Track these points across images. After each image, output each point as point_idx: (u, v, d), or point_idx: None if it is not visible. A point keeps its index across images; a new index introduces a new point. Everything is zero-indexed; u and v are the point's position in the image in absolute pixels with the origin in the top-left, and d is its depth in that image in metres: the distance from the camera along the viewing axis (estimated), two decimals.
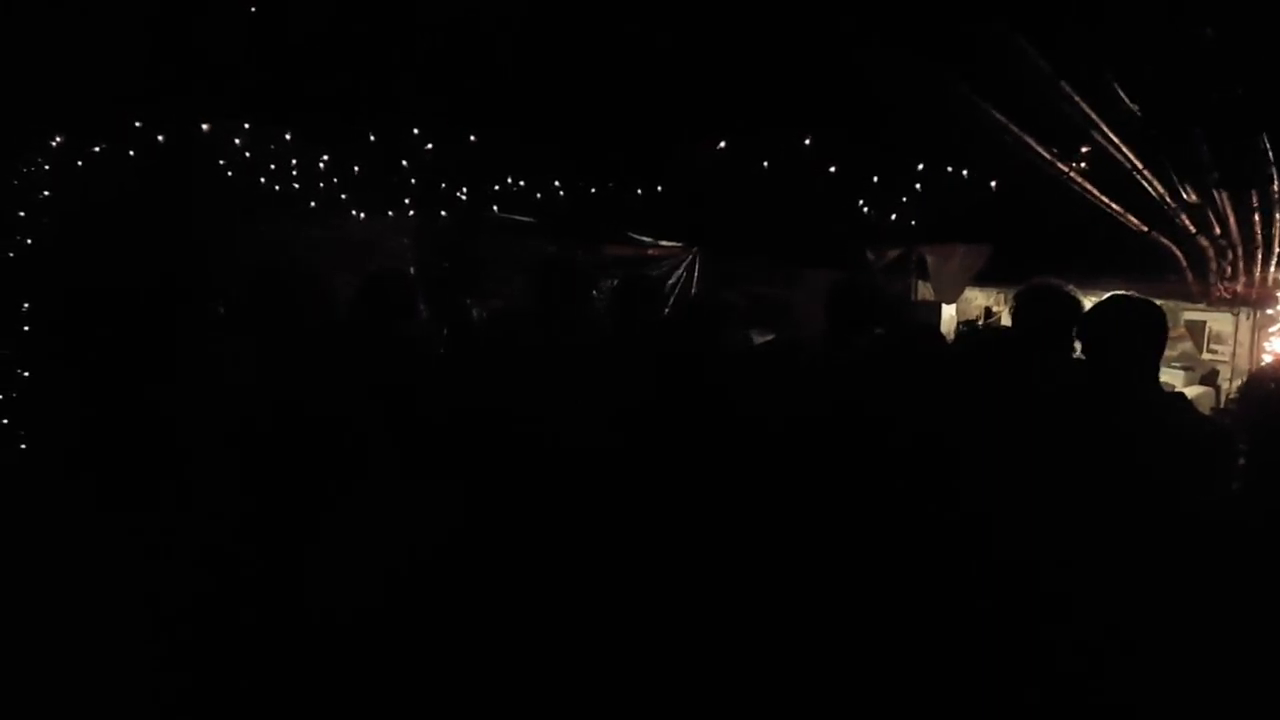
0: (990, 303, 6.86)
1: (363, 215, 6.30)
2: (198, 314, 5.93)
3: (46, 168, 6.00)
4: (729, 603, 3.90)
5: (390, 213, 6.32)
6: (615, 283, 6.30)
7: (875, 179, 6.18)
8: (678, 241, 6.78)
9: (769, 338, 6.17)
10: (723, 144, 6.32)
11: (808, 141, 6.23)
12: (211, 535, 4.83)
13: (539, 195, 6.36)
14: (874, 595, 3.48)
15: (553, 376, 5.55)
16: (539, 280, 5.33)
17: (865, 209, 6.22)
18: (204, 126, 6.11)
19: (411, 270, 6.26)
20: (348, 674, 4.36)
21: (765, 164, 6.32)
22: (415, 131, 6.25)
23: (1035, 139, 6.06)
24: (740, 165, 6.32)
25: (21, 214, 5.90)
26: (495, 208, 6.37)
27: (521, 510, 4.81)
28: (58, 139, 5.99)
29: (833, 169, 6.20)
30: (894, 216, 6.26)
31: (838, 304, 4.42)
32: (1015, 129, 6.07)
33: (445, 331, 6.08)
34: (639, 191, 6.50)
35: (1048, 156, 6.05)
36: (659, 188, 6.49)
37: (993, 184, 6.13)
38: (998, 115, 6.07)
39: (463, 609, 4.39)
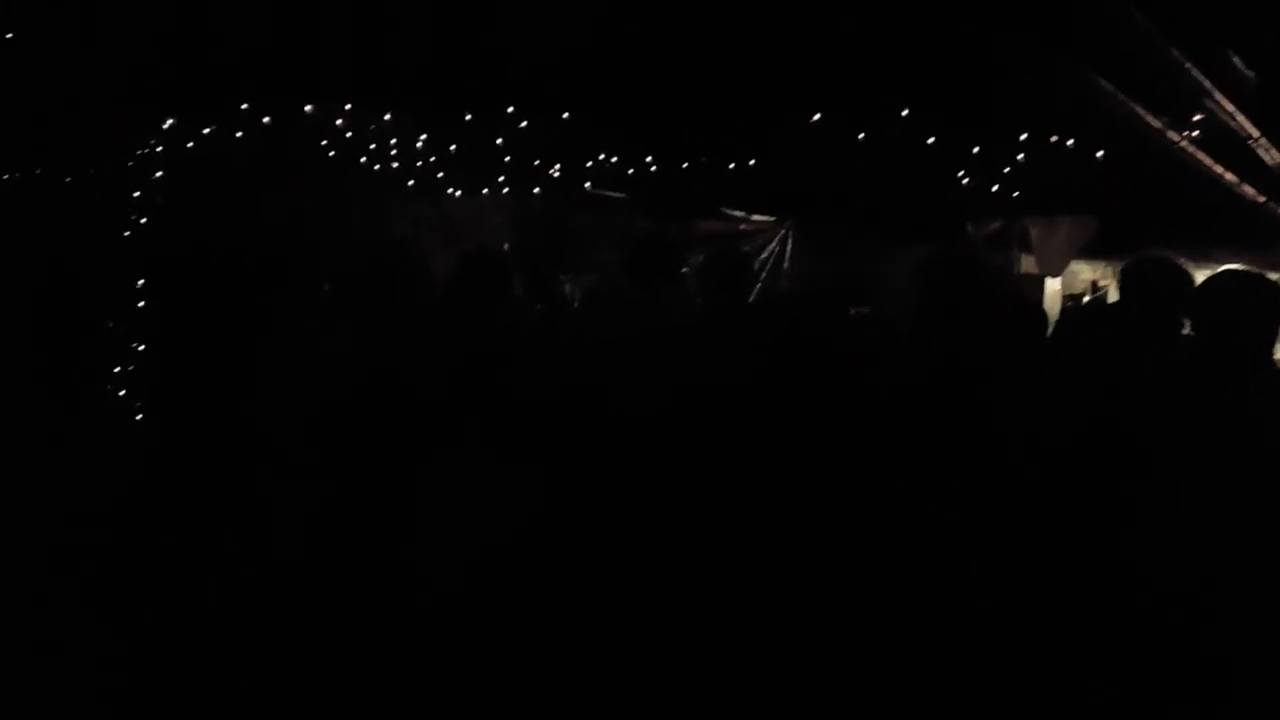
0: (1096, 276, 6.66)
1: (459, 194, 6.40)
2: (302, 291, 6.10)
3: (159, 149, 6.23)
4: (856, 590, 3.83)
5: (485, 191, 6.41)
6: (704, 258, 6.26)
7: (976, 150, 6.04)
8: (771, 216, 6.73)
9: (864, 310, 6.07)
10: (819, 115, 6.25)
11: (906, 112, 6.12)
12: (302, 506, 4.99)
13: (631, 171, 6.37)
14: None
15: (647, 355, 5.57)
16: (631, 257, 5.34)
17: (965, 180, 6.09)
18: (307, 108, 6.27)
19: (506, 248, 6.34)
20: (430, 650, 4.45)
21: (862, 135, 6.23)
22: (510, 110, 6.32)
23: (1145, 108, 5.85)
24: (837, 137, 6.24)
25: (136, 194, 6.15)
26: (588, 184, 6.40)
27: (612, 495, 4.83)
28: (170, 121, 6.21)
29: (932, 140, 6.08)
30: (996, 188, 6.11)
31: (934, 278, 4.34)
32: (1124, 98, 5.86)
33: (539, 309, 6.14)
34: (732, 165, 6.47)
35: (1158, 126, 5.83)
36: (752, 161, 6.45)
37: (1100, 154, 5.94)
38: (1105, 84, 5.87)
39: (539, 595, 4.43)
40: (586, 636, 4.24)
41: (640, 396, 5.37)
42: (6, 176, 5.69)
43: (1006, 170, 5.99)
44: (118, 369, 5.88)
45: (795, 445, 4.26)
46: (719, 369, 5.00)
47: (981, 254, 5.93)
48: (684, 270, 6.40)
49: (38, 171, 5.80)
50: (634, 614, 4.21)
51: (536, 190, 6.38)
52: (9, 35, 5.50)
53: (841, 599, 3.81)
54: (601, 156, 6.40)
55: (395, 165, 6.31)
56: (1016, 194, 6.05)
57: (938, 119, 6.02)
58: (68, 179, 5.95)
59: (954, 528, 3.37)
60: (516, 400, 5.67)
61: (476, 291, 5.44)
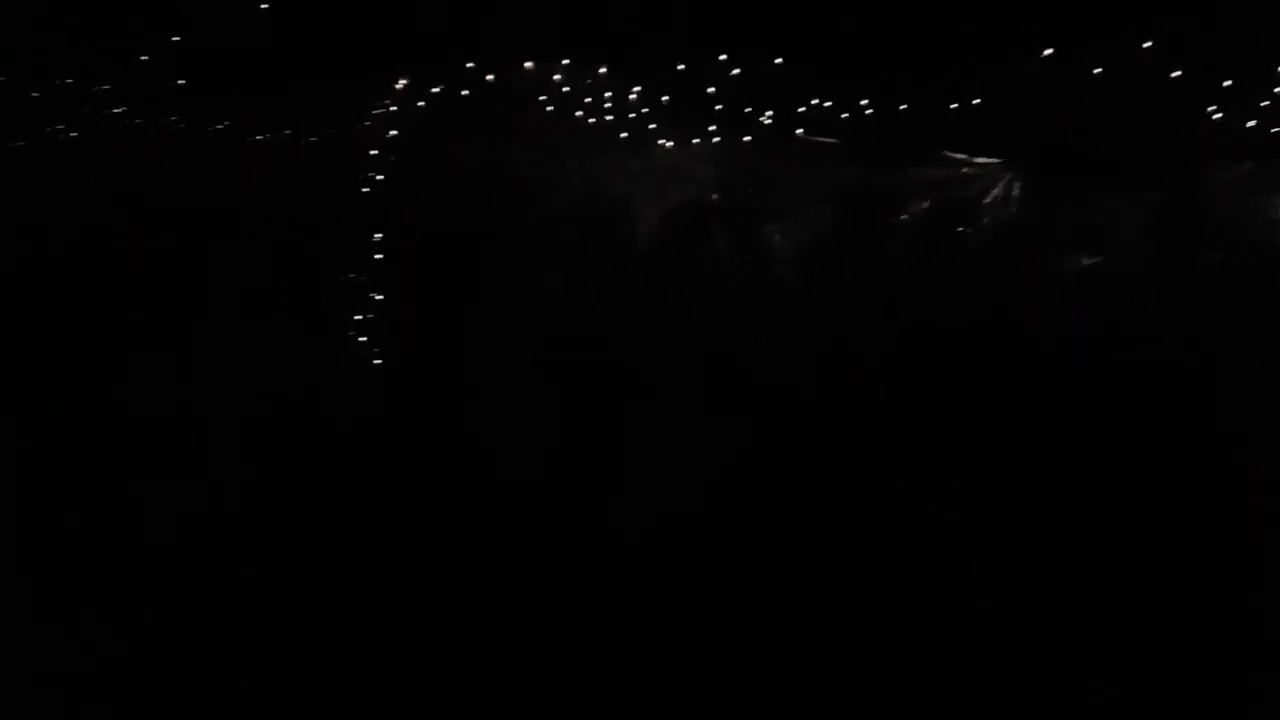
0: None
1: (669, 145, 6.44)
2: (518, 246, 6.35)
3: (394, 109, 6.61)
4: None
5: (695, 141, 6.41)
6: (927, 205, 6.05)
7: (1225, 83, 5.47)
8: (995, 159, 6.37)
9: (1096, 260, 5.71)
10: (1049, 51, 5.83)
11: (1148, 45, 5.61)
12: (513, 447, 5.25)
13: (845, 115, 6.19)
14: None
15: (855, 310, 5.46)
16: (841, 209, 5.21)
17: (1212, 117, 5.53)
18: (527, 64, 6.47)
19: (715, 199, 6.34)
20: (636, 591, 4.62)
21: (1098, 70, 5.77)
22: (722, 58, 6.27)
23: None
24: (1069, 72, 5.82)
25: (374, 152, 6.57)
26: (800, 131, 6.28)
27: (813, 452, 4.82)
28: (402, 82, 6.57)
29: (1176, 74, 5.56)
30: (1249, 125, 5.53)
31: (1171, 226, 4.02)
32: None
33: (746, 260, 6.11)
34: (954, 106, 6.16)
35: None
36: (976, 100, 6.12)
37: None
38: None
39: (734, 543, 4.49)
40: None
41: (854, 348, 5.30)
42: (250, 140, 6.23)
43: (1262, 104, 5.40)
44: (358, 317, 6.36)
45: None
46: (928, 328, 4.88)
47: (1227, 202, 5.41)
48: (903, 218, 6.19)
49: (285, 133, 6.31)
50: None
51: (746, 139, 6.33)
52: (264, 5, 5.96)
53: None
54: (815, 101, 6.25)
55: (608, 119, 6.42)
56: (1275, 130, 5.46)
57: (1183, 49, 5.48)
58: (312, 139, 6.44)
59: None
60: (724, 353, 5.72)
61: (697, 242, 5.49)
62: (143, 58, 6.09)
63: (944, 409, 5.46)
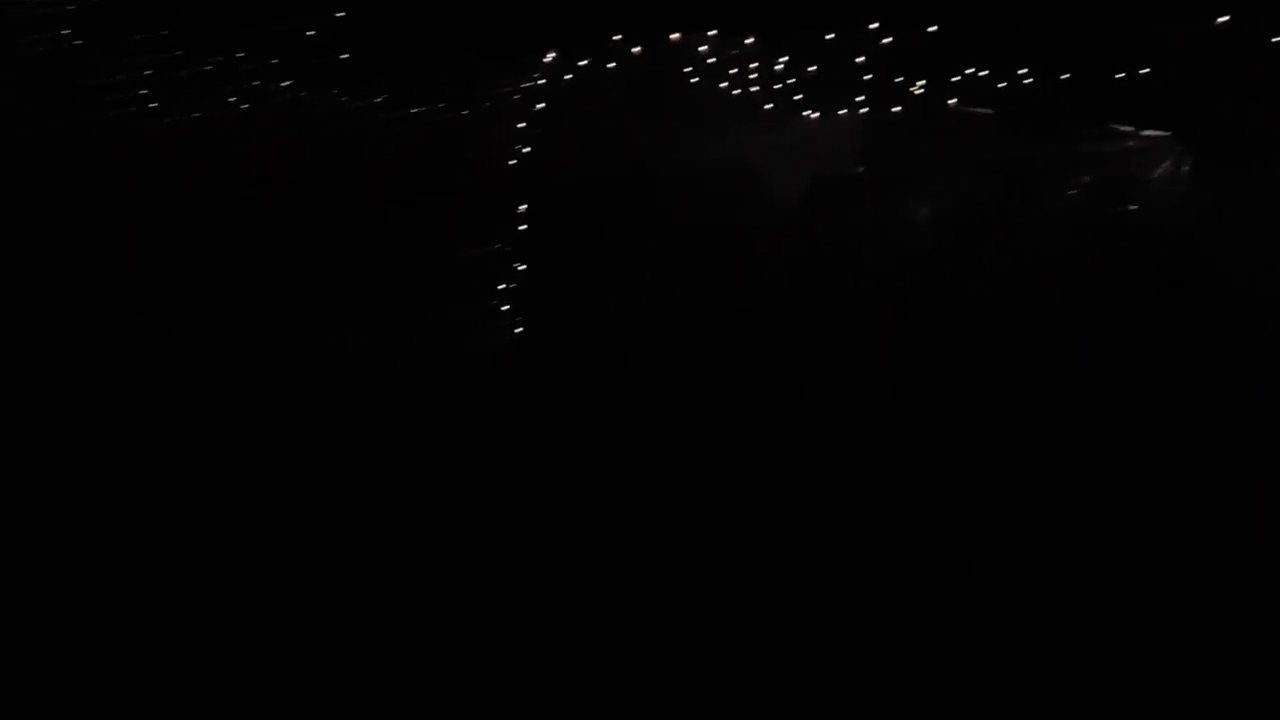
0: None
1: (815, 116, 6.31)
2: (662, 218, 6.35)
3: (542, 82, 6.69)
4: None
5: (843, 112, 6.27)
6: (1088, 180, 5.80)
7: None
8: (1164, 131, 6.00)
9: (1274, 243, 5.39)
10: (1224, 19, 5.47)
11: None
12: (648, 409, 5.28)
13: (1002, 85, 5.94)
14: None
15: (1009, 290, 5.28)
16: (994, 182, 5.03)
17: None
18: (673, 36, 6.45)
19: (861, 171, 6.19)
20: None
21: (1275, 40, 5.38)
22: (873, 26, 6.11)
23: None
24: (1244, 38, 5.44)
25: (521, 125, 6.67)
26: (953, 101, 6.06)
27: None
28: (550, 55, 6.64)
29: None
30: None
31: None
32: None
33: (894, 236, 5.97)
34: (1120, 75, 5.84)
35: None
36: (1144, 70, 5.79)
37: None
38: None
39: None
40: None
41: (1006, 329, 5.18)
42: (403, 112, 6.40)
43: None
44: (501, 286, 6.48)
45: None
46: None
47: None
48: (1071, 192, 5.96)
49: (437, 106, 6.47)
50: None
51: (896, 109, 6.15)
52: None
53: None
54: (969, 70, 6.03)
55: (754, 90, 6.34)
56: None
57: None
58: (463, 112, 6.57)
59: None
60: (863, 321, 5.63)
61: (825, 215, 5.41)
62: (308, 33, 6.35)
63: (1107, 393, 5.20)
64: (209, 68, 6.35)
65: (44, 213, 5.74)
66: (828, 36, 6.19)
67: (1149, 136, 6.08)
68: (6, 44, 5.97)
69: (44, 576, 4.77)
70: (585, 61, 6.62)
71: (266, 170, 6.27)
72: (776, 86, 6.33)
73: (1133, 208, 5.95)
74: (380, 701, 4.62)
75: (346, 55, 6.39)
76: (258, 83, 6.41)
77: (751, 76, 6.35)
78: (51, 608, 4.75)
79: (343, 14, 6.33)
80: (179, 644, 4.65)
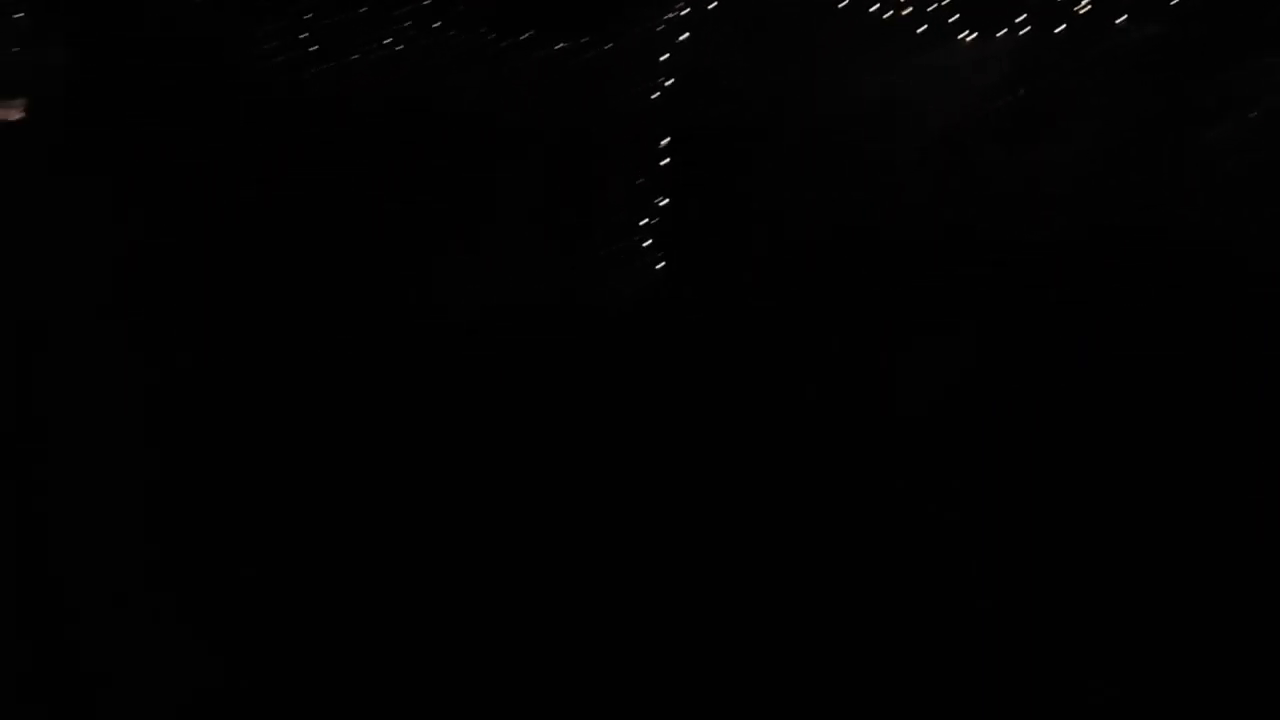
0: None
1: (973, 38, 5.98)
2: (810, 147, 6.21)
3: (685, 11, 6.56)
4: None
5: (1001, 33, 5.91)
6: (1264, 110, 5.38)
7: None
8: None
9: None
10: None
11: None
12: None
13: (1174, 3, 5.47)
14: None
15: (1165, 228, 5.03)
16: (1162, 109, 4.70)
17: None
18: None
19: (1022, 94, 5.85)
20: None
21: None
22: None
23: None
24: None
25: (664, 56, 6.57)
26: (1122, 20, 5.62)
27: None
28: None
29: None
30: None
31: None
32: None
33: (1048, 165, 5.68)
34: None
35: None
36: None
37: None
38: None
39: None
40: None
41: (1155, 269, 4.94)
42: (548, 46, 6.41)
43: None
44: (642, 221, 6.46)
45: None
46: None
47: None
48: (1247, 119, 5.59)
49: (581, 40, 6.44)
50: None
51: (1058, 30, 5.75)
52: None
53: None
54: None
55: (905, 11, 6.04)
56: None
57: None
58: (607, 46, 6.52)
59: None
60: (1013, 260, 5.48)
61: (958, 146, 5.19)
62: None
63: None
64: (363, 9, 6.51)
65: (209, 155, 6.04)
66: None
67: None
68: None
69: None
70: None
71: (419, 109, 6.41)
72: (930, 8, 6.01)
73: None
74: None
75: None
76: (409, 24, 6.53)
77: None
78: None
79: None
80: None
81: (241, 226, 5.90)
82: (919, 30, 6.06)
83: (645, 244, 6.48)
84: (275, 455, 5.46)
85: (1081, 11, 5.69)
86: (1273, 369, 4.34)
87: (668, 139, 6.53)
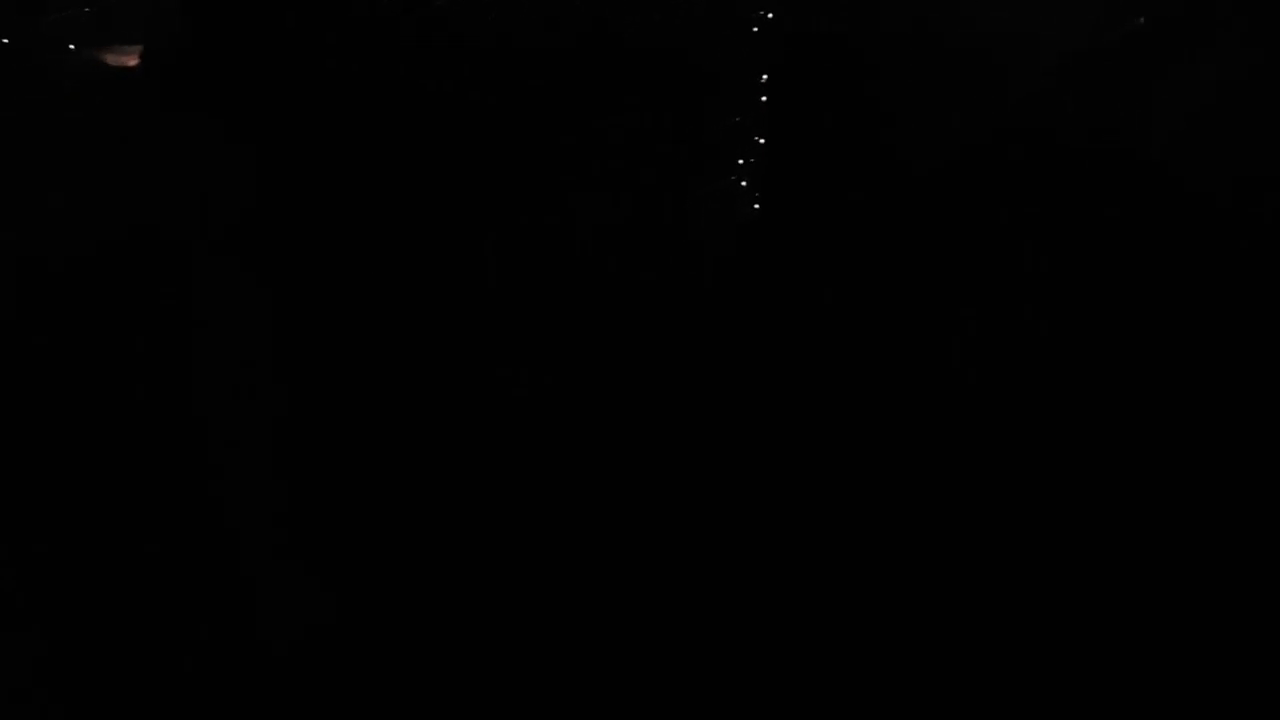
0: None
1: None
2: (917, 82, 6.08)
3: None
4: None
5: None
6: None
7: None
8: None
9: None
10: None
11: None
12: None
13: None
14: None
15: None
16: None
17: None
18: None
19: (1141, 22, 5.62)
20: None
21: None
22: None
23: None
24: None
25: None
26: None
27: None
28: None
29: None
30: None
31: None
32: None
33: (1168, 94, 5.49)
34: None
35: None
36: None
37: None
38: None
39: None
40: None
41: None
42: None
43: None
44: (740, 160, 6.40)
45: None
46: None
47: None
48: None
49: None
50: None
51: None
52: None
53: None
54: None
55: None
56: None
57: None
58: None
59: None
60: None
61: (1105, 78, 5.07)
62: None
63: None
64: None
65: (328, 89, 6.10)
66: None
67: None
68: None
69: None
70: None
71: (522, 51, 6.39)
72: None
73: None
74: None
75: None
76: None
77: None
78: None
79: None
80: None
81: (365, 166, 6.00)
82: None
83: (744, 183, 6.43)
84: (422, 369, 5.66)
85: None
86: None
87: (765, 77, 6.42)
